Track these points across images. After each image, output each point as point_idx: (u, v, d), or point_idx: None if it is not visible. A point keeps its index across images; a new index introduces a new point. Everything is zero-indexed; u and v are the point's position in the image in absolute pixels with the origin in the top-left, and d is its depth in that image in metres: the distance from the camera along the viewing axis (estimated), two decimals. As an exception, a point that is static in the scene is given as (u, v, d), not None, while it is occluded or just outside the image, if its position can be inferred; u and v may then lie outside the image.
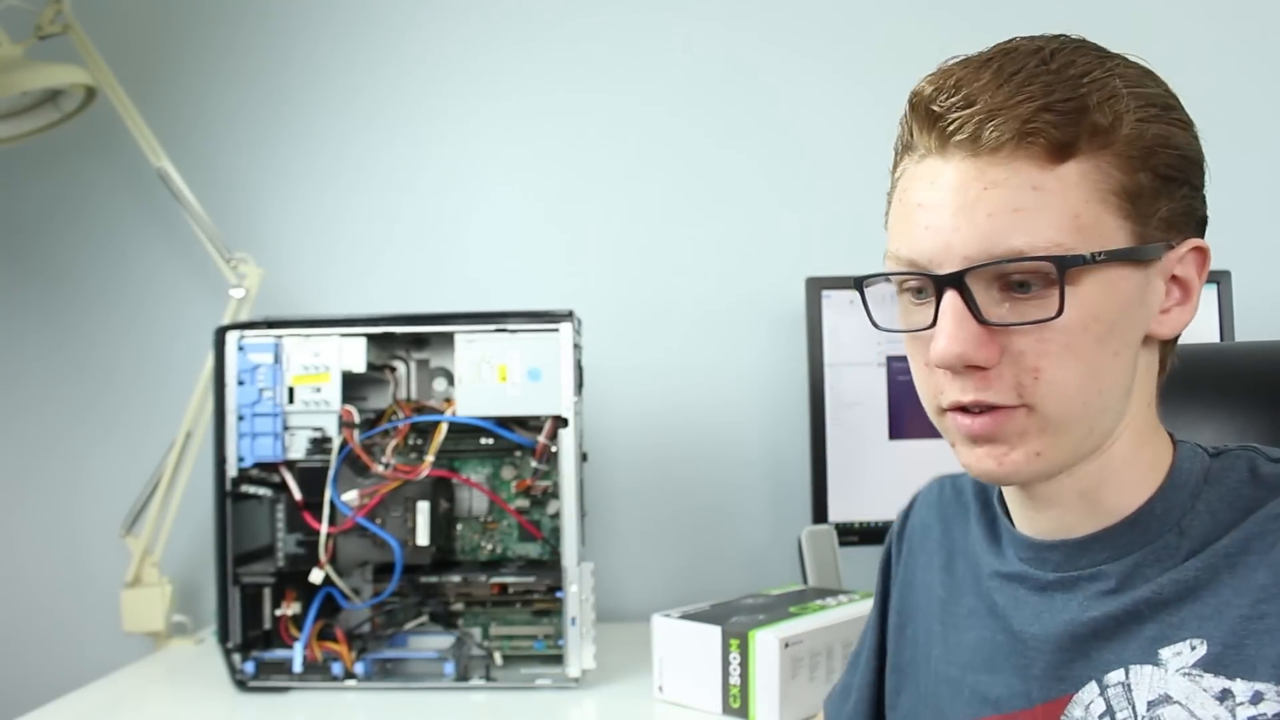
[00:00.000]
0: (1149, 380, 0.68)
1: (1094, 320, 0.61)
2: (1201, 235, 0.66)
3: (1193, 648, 0.61)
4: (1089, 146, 0.61)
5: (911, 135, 0.65)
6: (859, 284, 0.69)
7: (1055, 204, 0.60)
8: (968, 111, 0.61)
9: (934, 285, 0.62)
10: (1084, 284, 0.61)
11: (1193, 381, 0.86)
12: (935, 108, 0.63)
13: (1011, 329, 0.61)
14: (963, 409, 0.63)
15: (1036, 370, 0.61)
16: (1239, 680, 0.59)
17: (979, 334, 0.61)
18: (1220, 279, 1.47)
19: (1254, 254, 1.55)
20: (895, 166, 0.68)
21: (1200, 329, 1.43)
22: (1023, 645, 0.68)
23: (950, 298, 0.61)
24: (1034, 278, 0.61)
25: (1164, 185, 0.63)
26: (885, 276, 0.67)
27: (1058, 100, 0.60)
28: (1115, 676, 0.64)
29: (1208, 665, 0.60)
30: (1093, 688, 0.64)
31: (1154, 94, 0.64)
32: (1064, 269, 0.59)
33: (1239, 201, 1.56)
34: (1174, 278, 0.65)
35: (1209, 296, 1.46)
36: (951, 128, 0.62)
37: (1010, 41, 0.65)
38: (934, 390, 0.65)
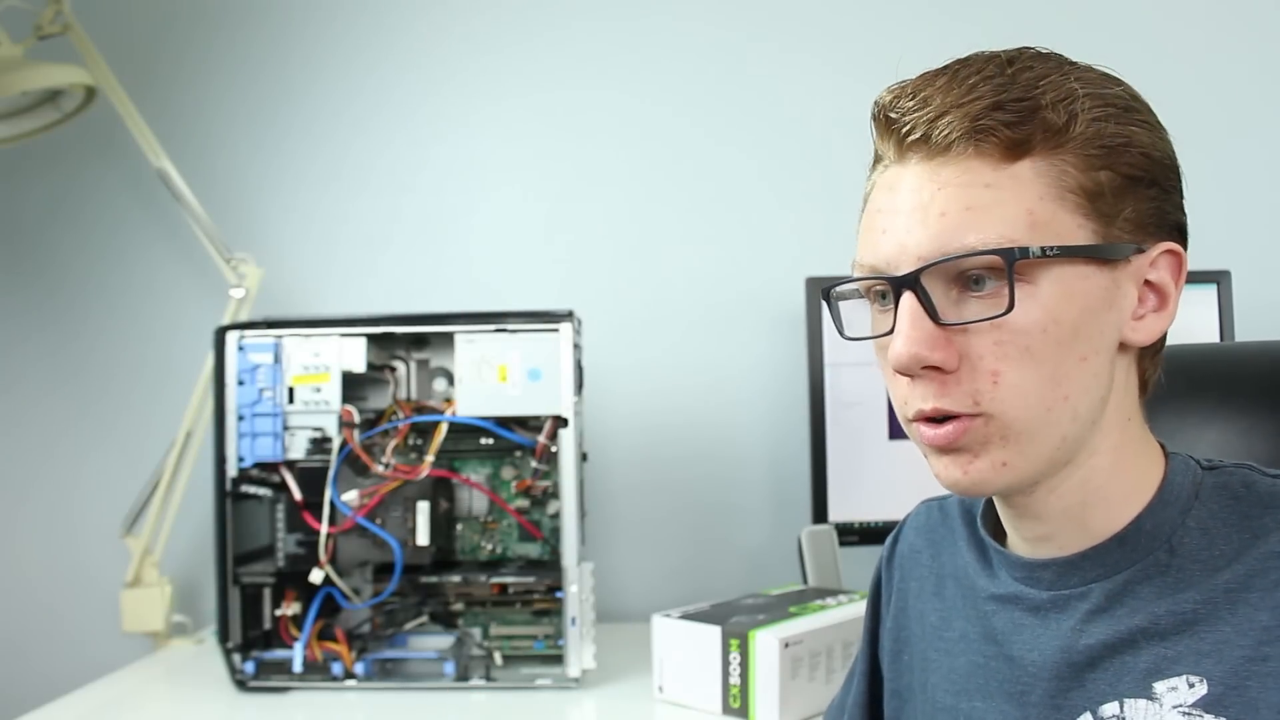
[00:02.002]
0: (1127, 392, 0.66)
1: (1053, 322, 0.60)
2: (1180, 240, 0.65)
3: (1190, 685, 0.60)
4: (1043, 144, 0.61)
5: (876, 148, 0.66)
6: (825, 293, 0.70)
7: (1008, 200, 0.60)
8: (920, 113, 0.62)
9: (892, 288, 0.62)
10: (1041, 283, 0.60)
11: (1195, 382, 0.86)
12: (892, 114, 0.64)
13: (969, 331, 0.61)
14: (927, 418, 0.63)
15: (995, 374, 0.60)
16: None
17: (935, 335, 0.61)
18: (1220, 279, 1.46)
19: (1254, 254, 1.55)
20: (866, 182, 0.69)
21: (1200, 329, 1.43)
22: (1020, 671, 0.67)
23: (907, 299, 0.61)
24: (988, 274, 0.60)
25: (1128, 185, 0.62)
26: (850, 283, 0.67)
27: (1010, 99, 0.60)
28: (1110, 709, 0.63)
29: (1208, 705, 0.59)
30: (1087, 719, 0.63)
31: (1114, 95, 0.63)
32: (1012, 261, 0.59)
33: (1238, 202, 1.56)
34: (1148, 283, 0.64)
35: (1209, 297, 1.46)
36: (905, 129, 0.62)
37: (972, 54, 0.65)
38: (900, 400, 0.65)
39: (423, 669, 1.32)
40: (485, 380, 1.29)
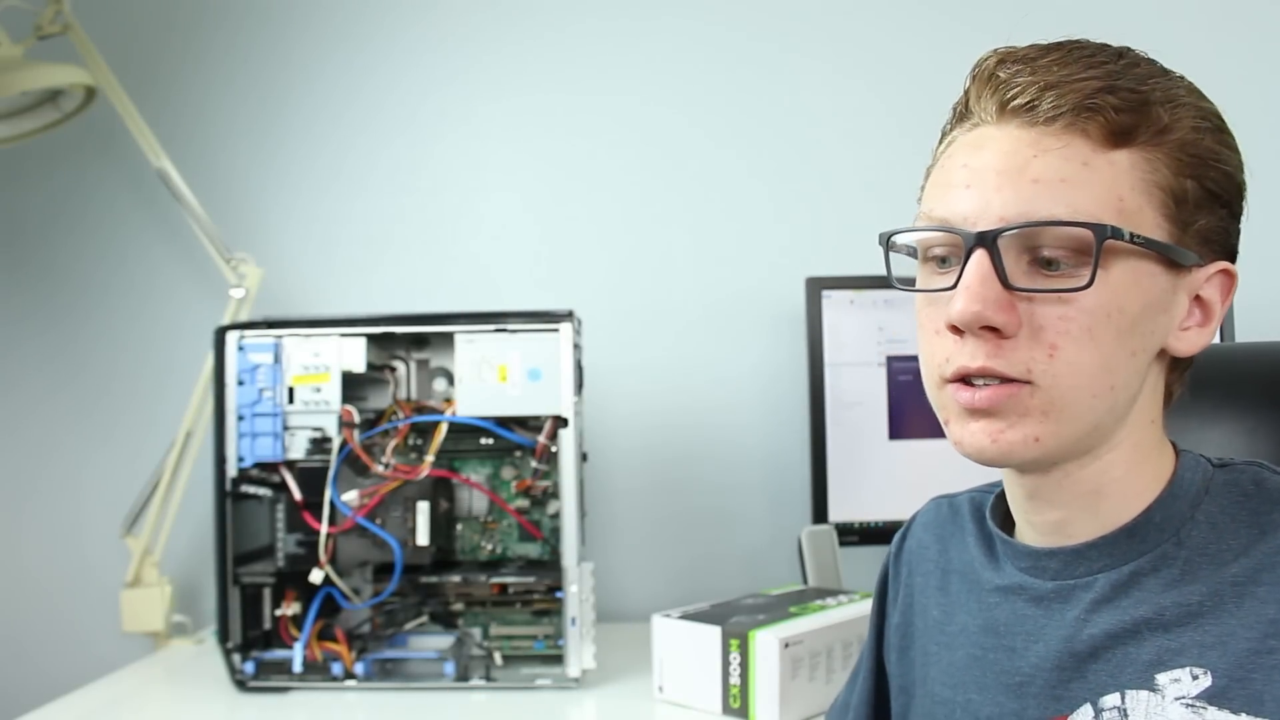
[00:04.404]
0: (1154, 398, 0.67)
1: (1118, 310, 0.61)
2: (1232, 263, 0.67)
3: (1194, 677, 0.60)
4: (1144, 139, 0.61)
5: (968, 105, 0.66)
6: (885, 239, 0.68)
7: (1102, 183, 0.60)
8: (1031, 79, 0.62)
9: (964, 245, 0.62)
10: (1115, 269, 0.60)
11: (1201, 383, 0.86)
12: (1000, 74, 0.63)
13: (1035, 301, 0.60)
14: (965, 381, 0.62)
15: (1054, 347, 0.60)
16: (1244, 715, 0.58)
17: (1001, 297, 0.60)
18: (1220, 279, 1.46)
19: (1254, 254, 1.55)
20: (940, 142, 0.68)
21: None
22: (1021, 662, 0.68)
23: (978, 257, 0.61)
24: (1065, 254, 0.60)
25: (1207, 199, 0.64)
26: (917, 231, 0.66)
27: (1122, 87, 0.61)
28: (1111, 700, 0.63)
29: (1211, 698, 0.59)
30: (1087, 710, 0.64)
31: (1210, 111, 0.65)
32: (1102, 238, 0.59)
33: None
34: (1197, 298, 0.65)
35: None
36: (1012, 93, 0.62)
37: (1080, 38, 0.66)
38: (940, 358, 0.64)
39: (423, 669, 1.31)
40: (485, 380, 1.29)
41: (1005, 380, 0.61)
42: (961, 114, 0.66)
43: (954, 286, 0.62)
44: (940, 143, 0.68)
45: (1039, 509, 0.67)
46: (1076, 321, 0.60)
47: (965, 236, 0.61)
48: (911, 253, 0.68)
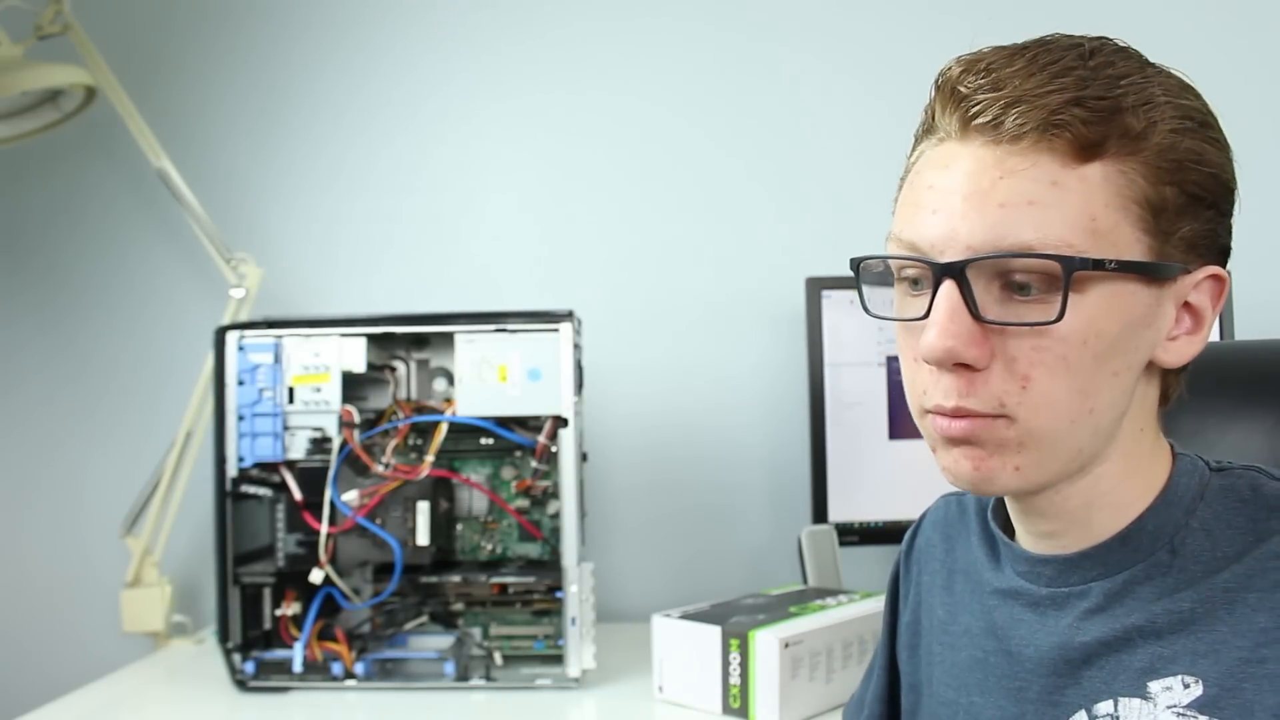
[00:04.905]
0: (1144, 407, 0.65)
1: (1095, 335, 0.59)
2: (1223, 265, 0.64)
3: (1185, 685, 0.59)
4: (1116, 149, 0.58)
5: (934, 118, 0.63)
6: (855, 264, 0.66)
7: (1073, 202, 0.57)
8: (993, 95, 0.59)
9: (932, 274, 0.60)
10: (1090, 293, 0.58)
11: (1219, 382, 0.85)
12: (961, 88, 0.60)
13: (1007, 331, 0.59)
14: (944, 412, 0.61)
15: (1026, 379, 0.59)
16: None
17: (972, 331, 0.59)
18: (1220, 279, 1.46)
19: (1254, 254, 1.54)
20: (912, 151, 0.66)
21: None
22: (1018, 667, 0.67)
23: (947, 288, 0.59)
24: (1037, 279, 0.58)
25: (1190, 204, 0.61)
26: (883, 259, 0.64)
27: (1090, 96, 0.58)
28: (1104, 708, 0.62)
29: (1202, 707, 0.58)
30: (1081, 717, 0.63)
31: (1192, 108, 0.62)
32: (1071, 271, 0.57)
33: (1238, 200, 1.56)
34: (1186, 304, 0.63)
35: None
36: (974, 110, 0.59)
37: (1049, 35, 0.63)
38: (919, 388, 0.63)
39: (423, 669, 1.31)
40: (485, 380, 1.29)
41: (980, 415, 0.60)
42: (928, 127, 0.64)
43: (925, 316, 0.60)
44: (912, 150, 0.66)
45: (1032, 521, 0.67)
46: (1050, 351, 0.58)
47: (933, 267, 0.59)
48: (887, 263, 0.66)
